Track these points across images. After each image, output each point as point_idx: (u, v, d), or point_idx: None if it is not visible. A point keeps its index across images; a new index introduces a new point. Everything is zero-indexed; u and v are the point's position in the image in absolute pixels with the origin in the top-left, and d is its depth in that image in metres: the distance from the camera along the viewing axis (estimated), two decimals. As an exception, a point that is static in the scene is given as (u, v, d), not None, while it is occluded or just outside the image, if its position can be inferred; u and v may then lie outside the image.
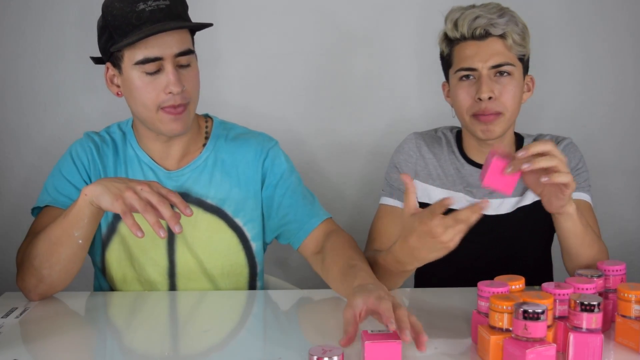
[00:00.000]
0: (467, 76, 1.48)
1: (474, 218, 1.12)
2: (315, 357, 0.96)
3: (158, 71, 1.35)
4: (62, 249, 1.29)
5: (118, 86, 1.41)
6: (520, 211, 1.56)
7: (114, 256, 1.49)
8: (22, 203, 2.02)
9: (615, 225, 2.09)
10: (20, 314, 1.32)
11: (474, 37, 1.46)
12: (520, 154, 1.16)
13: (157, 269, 1.47)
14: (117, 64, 1.38)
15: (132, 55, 1.34)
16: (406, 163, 1.59)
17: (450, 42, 1.51)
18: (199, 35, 1.44)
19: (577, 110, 2.07)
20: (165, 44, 1.33)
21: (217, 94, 1.98)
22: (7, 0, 1.97)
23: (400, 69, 2.05)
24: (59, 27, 1.99)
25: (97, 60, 1.45)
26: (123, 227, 1.47)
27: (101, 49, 1.40)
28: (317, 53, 2.03)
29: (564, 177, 1.16)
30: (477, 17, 1.44)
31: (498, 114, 1.47)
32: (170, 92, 1.34)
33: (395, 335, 1.04)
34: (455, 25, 1.47)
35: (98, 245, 1.49)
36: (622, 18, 2.02)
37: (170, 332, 1.22)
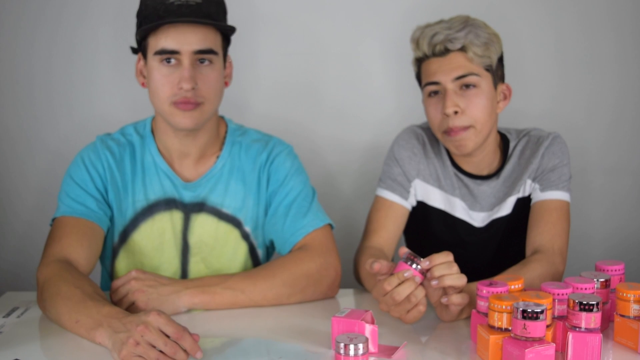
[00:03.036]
0: (436, 92, 1.48)
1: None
2: (342, 345, 1.00)
3: (176, 65, 1.36)
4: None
5: (144, 77, 1.43)
6: (496, 223, 1.56)
7: (124, 265, 1.48)
8: (34, 207, 2.02)
9: (614, 225, 2.10)
10: (22, 314, 1.33)
11: (435, 54, 1.46)
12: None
13: None
14: (144, 54, 1.40)
15: (153, 44, 1.36)
16: (410, 161, 1.58)
17: (417, 61, 1.52)
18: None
19: (574, 113, 2.07)
20: (184, 39, 1.34)
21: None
22: (17, 1, 1.97)
23: (389, 69, 2.05)
24: (74, 27, 1.98)
25: (134, 50, 1.46)
26: (135, 238, 1.47)
27: (135, 37, 1.43)
28: (314, 54, 2.04)
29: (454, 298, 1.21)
30: (435, 35, 1.45)
31: (466, 128, 1.46)
32: (181, 88, 1.35)
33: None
34: (417, 44, 1.49)
35: (109, 252, 1.49)
36: (601, 18, 2.03)
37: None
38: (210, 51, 1.37)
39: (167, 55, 1.35)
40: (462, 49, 1.44)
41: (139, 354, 1.05)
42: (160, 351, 1.05)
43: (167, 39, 1.34)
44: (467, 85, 1.45)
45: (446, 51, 1.45)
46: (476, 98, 1.45)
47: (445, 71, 1.45)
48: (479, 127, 1.46)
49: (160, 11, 1.34)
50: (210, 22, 1.36)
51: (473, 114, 1.45)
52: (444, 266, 1.17)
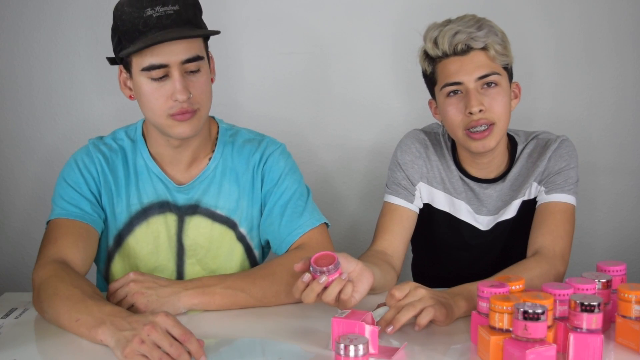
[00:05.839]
0: (455, 91, 1.46)
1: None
2: (342, 345, 1.00)
3: (165, 77, 1.33)
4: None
5: (130, 89, 1.40)
6: (500, 225, 1.56)
7: (119, 268, 1.48)
8: (32, 207, 2.03)
9: (616, 225, 2.09)
10: (20, 315, 1.32)
11: (455, 53, 1.44)
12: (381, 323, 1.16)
13: None
14: (128, 68, 1.37)
15: (139, 62, 1.32)
16: (412, 165, 1.58)
17: (432, 60, 1.48)
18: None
19: (575, 113, 2.07)
20: (171, 52, 1.31)
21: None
22: (16, 2, 1.97)
23: (389, 67, 2.05)
24: (73, 28, 1.98)
25: (112, 61, 1.42)
26: (130, 241, 1.46)
27: (113, 51, 1.39)
28: (315, 54, 2.04)
29: (424, 318, 1.16)
30: (456, 33, 1.42)
31: (491, 125, 1.44)
32: (176, 100, 1.32)
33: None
34: (436, 43, 1.45)
35: (103, 255, 1.48)
36: (601, 18, 2.03)
37: (170, 332, 1.22)
38: (197, 58, 1.34)
39: (156, 70, 1.32)
40: (484, 48, 1.43)
41: (143, 352, 1.04)
42: (165, 352, 1.04)
43: (153, 55, 1.30)
44: (489, 84, 1.44)
45: (468, 50, 1.43)
46: (498, 96, 1.45)
47: (467, 70, 1.43)
48: (500, 125, 1.46)
49: (139, 25, 1.30)
50: (198, 34, 1.33)
51: (496, 111, 1.44)
52: (392, 312, 1.16)
